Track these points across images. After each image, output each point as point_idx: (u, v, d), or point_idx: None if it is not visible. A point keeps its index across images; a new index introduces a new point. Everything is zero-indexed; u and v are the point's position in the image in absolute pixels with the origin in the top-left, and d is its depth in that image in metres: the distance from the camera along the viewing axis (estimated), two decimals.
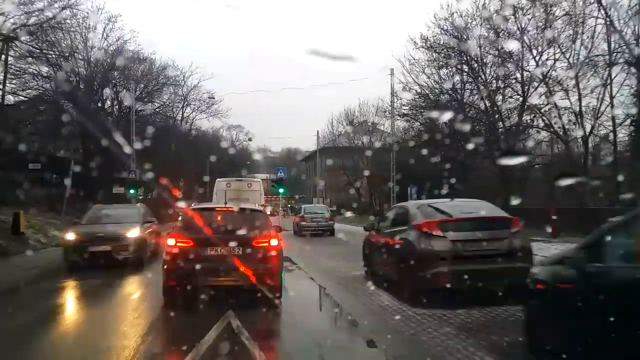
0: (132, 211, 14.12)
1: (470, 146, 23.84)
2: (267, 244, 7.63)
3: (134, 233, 12.33)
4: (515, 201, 22.13)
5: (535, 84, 22.40)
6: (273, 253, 7.62)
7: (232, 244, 7.41)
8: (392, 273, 8.39)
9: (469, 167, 27.44)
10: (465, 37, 24.35)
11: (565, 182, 17.07)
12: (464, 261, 7.14)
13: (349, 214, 36.62)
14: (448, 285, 7.19)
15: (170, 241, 7.55)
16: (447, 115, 26.82)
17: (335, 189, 52.13)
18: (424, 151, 26.17)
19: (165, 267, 7.53)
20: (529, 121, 21.82)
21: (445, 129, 27.11)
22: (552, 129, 21.38)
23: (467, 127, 26.48)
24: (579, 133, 21.34)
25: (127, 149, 32.39)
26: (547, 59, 21.48)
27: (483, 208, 8.02)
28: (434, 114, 27.87)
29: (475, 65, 24.58)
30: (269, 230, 7.91)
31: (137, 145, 31.71)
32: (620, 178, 19.98)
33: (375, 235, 9.71)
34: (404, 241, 7.87)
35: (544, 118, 21.52)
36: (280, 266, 7.82)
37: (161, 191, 36.68)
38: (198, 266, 7.31)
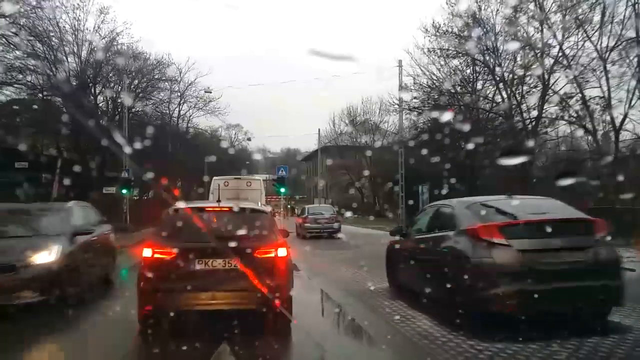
0: (55, 215, 8.21)
1: (472, 146, 22.56)
2: (273, 255, 5.85)
3: (46, 255, 6.93)
4: None
5: (559, 72, 20.51)
6: (281, 266, 5.85)
7: (228, 254, 5.65)
8: (431, 291, 6.60)
9: (477, 165, 25.69)
10: (479, 23, 22.54)
11: (566, 181, 16.09)
12: (536, 278, 5.36)
13: (348, 214, 34.99)
14: (515, 310, 5.43)
15: (146, 252, 5.75)
16: (458, 107, 25.23)
17: (337, 189, 50.40)
18: (429, 149, 24.61)
19: (140, 286, 5.74)
20: (558, 112, 19.98)
21: (455, 123, 25.39)
22: (580, 122, 19.55)
23: (479, 123, 24.84)
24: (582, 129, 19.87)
25: (121, 147, 30.72)
26: (574, 44, 19.63)
27: (553, 207, 6.23)
28: (443, 108, 26.21)
29: (491, 50, 22.74)
30: (276, 235, 6.13)
31: (131, 143, 29.97)
32: (621, 178, 18.72)
33: (404, 242, 7.91)
34: (451, 251, 6.09)
35: (568, 109, 19.69)
36: (290, 283, 6.04)
37: (158, 191, 35.00)
38: (182, 285, 5.56)
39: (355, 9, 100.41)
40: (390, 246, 8.62)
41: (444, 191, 24.72)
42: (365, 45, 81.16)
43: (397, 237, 8.49)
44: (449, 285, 5.97)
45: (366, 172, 46.10)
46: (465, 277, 5.65)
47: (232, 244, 5.67)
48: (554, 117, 19.76)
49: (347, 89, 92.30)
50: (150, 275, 5.66)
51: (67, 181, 29.64)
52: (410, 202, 28.27)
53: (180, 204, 6.41)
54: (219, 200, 6.52)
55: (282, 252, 5.90)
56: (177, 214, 6.19)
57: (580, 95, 19.10)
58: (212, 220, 6.04)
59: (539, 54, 21.16)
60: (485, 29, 22.67)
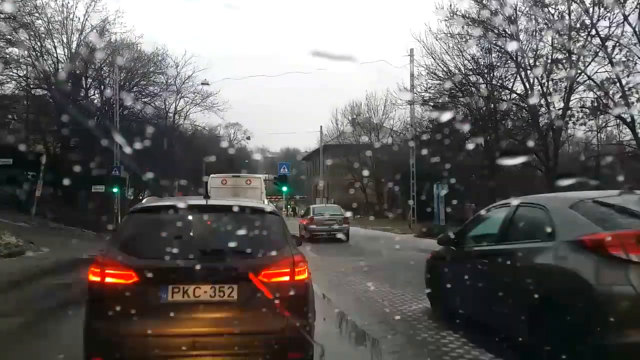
0: None
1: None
2: (288, 278, 3.87)
3: None
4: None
5: (589, 57, 18.38)
6: (300, 296, 3.86)
7: (219, 278, 3.71)
8: (509, 326, 4.64)
9: (493, 164, 23.75)
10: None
11: (565, 182, 15.12)
12: None
13: (348, 214, 33.47)
14: None
15: (94, 275, 3.76)
16: (472, 99, 23.42)
17: (339, 189, 48.45)
18: (438, 147, 22.82)
19: (85, 326, 3.76)
20: (595, 101, 17.82)
21: (468, 117, 23.59)
22: (617, 113, 17.53)
23: (497, 116, 22.95)
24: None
25: (112, 143, 28.83)
26: (612, 23, 17.56)
27: None
28: (456, 100, 24.39)
29: (512, 33, 20.78)
30: (290, 248, 4.13)
31: (124, 140, 28.11)
32: (621, 178, 17.87)
33: (457, 254, 5.93)
34: (551, 271, 4.11)
35: (605, 99, 17.64)
36: (313, 320, 4.05)
37: (155, 191, 33.04)
38: (148, 325, 3.60)
39: (357, 8, 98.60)
40: (434, 259, 6.63)
41: (444, 191, 23.32)
42: (367, 45, 79.56)
43: (441, 247, 6.50)
44: (544, 321, 4.02)
45: (369, 172, 44.34)
46: (578, 311, 3.70)
47: (226, 262, 3.74)
48: (597, 108, 17.55)
49: (350, 89, 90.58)
50: (99, 310, 3.70)
51: (53, 179, 27.77)
52: (410, 202, 26.60)
53: (150, 201, 4.43)
54: (207, 196, 4.51)
55: (300, 273, 3.92)
56: (142, 216, 4.21)
57: (618, 83, 17.02)
58: (197, 225, 4.07)
59: (568, 36, 19.13)
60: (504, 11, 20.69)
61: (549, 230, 4.27)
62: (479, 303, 5.19)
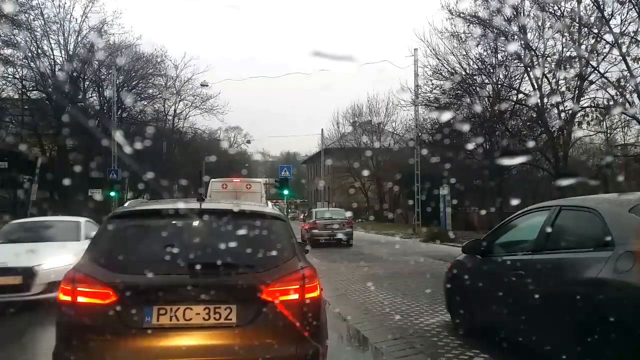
0: None
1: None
2: (296, 296, 3.24)
3: None
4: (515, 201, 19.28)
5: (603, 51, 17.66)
6: (310, 318, 3.23)
7: (214, 296, 3.08)
8: (549, 344, 4.01)
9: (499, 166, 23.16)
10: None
11: (565, 182, 15.24)
12: None
13: (349, 214, 33.24)
14: None
15: (64, 293, 3.14)
16: (477, 99, 22.90)
17: (340, 191, 47.84)
18: (441, 147, 22.31)
19: (54, 354, 3.14)
20: (611, 99, 17.09)
21: (473, 118, 23.05)
22: (629, 113, 16.87)
23: (503, 115, 22.34)
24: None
25: (109, 146, 28.31)
26: (625, 19, 16.92)
27: None
28: (459, 100, 23.87)
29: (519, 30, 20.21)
30: (300, 259, 3.48)
31: (122, 142, 27.55)
32: (621, 178, 18.17)
33: (484, 263, 5.28)
34: (613, 286, 3.46)
35: (618, 98, 16.98)
36: (325, 347, 3.40)
37: (155, 193, 32.42)
38: (129, 356, 2.99)
39: (358, 8, 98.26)
40: (456, 268, 5.97)
41: (444, 192, 22.86)
42: (370, 45, 79.06)
43: (464, 256, 5.86)
44: (600, 343, 3.39)
45: (371, 174, 43.86)
46: None
47: (223, 278, 3.11)
48: (603, 105, 16.88)
49: (352, 91, 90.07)
50: (70, 335, 3.08)
51: (50, 182, 27.18)
52: (410, 202, 26.15)
53: (134, 204, 3.81)
54: (201, 198, 3.86)
55: (311, 290, 3.29)
56: (123, 223, 3.57)
57: (631, 80, 16.36)
58: (188, 233, 3.44)
59: (579, 32, 18.53)
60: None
61: (603, 237, 3.63)
62: (512, 320, 4.54)
